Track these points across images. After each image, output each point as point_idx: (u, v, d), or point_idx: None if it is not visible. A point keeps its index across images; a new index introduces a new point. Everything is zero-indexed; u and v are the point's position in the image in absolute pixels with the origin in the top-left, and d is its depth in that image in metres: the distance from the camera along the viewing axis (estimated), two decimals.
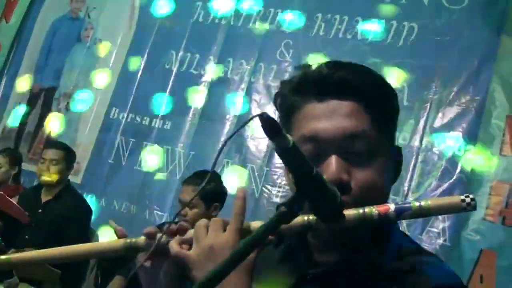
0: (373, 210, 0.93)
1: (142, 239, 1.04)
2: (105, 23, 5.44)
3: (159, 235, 1.02)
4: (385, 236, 1.04)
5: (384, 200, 1.01)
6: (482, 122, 3.72)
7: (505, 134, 3.62)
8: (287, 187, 4.08)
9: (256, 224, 0.98)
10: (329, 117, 1.00)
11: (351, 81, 1.01)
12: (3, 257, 1.07)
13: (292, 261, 1.09)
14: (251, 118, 0.80)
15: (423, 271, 0.97)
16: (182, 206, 3.26)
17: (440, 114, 3.88)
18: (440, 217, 3.70)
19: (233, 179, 4.32)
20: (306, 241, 1.08)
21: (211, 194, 3.21)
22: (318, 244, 1.07)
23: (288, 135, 0.81)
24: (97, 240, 4.16)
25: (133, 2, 5.30)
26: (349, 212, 0.93)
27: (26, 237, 3.81)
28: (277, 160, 4.27)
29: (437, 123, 3.88)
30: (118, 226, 1.09)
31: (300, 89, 1.05)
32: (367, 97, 1.01)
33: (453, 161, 3.76)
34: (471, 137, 3.75)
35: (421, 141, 3.83)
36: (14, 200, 3.98)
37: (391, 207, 0.93)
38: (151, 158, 4.74)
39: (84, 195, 4.57)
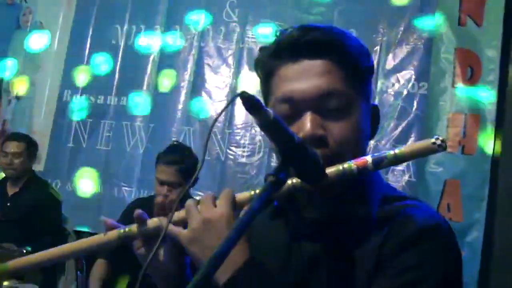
0: (352, 165, 0.98)
1: (134, 226, 1.06)
2: (43, 5, 5.28)
3: (162, 221, 1.04)
4: (368, 186, 1.09)
5: (360, 153, 1.06)
6: (432, 58, 3.81)
7: (455, 66, 3.72)
8: (251, 146, 4.13)
9: (242, 196, 1.01)
10: (302, 77, 1.04)
11: (323, 40, 1.04)
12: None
13: (282, 220, 1.14)
14: (233, 99, 0.84)
15: (407, 215, 1.03)
16: (159, 185, 3.20)
17: (390, 55, 3.95)
18: None
19: (195, 146, 4.33)
20: (293, 200, 1.12)
21: (191, 169, 3.21)
22: (305, 202, 1.11)
23: (268, 109, 0.85)
24: (71, 226, 4.17)
25: None
26: (330, 170, 0.97)
27: None
28: (237, 122, 4.31)
29: (389, 64, 3.95)
30: (108, 219, 1.10)
31: (276, 53, 1.08)
32: (339, 55, 1.05)
33: (408, 99, 3.86)
34: (423, 74, 3.85)
35: (375, 84, 3.89)
36: None
37: (368, 159, 0.98)
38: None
39: (49, 182, 4.54)
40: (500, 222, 3.17)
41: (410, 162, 3.75)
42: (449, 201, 3.62)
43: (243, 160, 4.21)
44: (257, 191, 1.00)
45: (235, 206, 0.99)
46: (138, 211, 1.06)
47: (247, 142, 4.23)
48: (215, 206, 0.99)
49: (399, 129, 3.84)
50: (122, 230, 1.07)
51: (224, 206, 0.98)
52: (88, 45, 4.96)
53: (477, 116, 3.64)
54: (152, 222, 1.05)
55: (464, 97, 3.68)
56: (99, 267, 3.29)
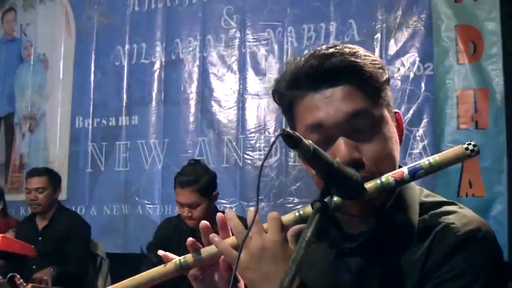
0: (389, 178, 1.03)
1: (189, 256, 1.13)
2: (43, 37, 5.34)
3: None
4: (406, 194, 1.13)
5: (395, 164, 1.11)
6: (433, 38, 3.83)
7: (458, 43, 3.74)
8: (267, 149, 4.17)
9: (287, 218, 1.07)
10: (327, 104, 1.08)
11: (340, 67, 1.08)
12: None
13: (325, 238, 1.17)
14: (276, 138, 0.90)
15: (446, 224, 1.07)
16: (180, 207, 3.27)
17: (392, 41, 3.98)
18: (417, 136, 3.84)
19: (212, 156, 4.39)
20: (333, 218, 1.17)
21: (208, 186, 3.24)
22: (346, 219, 1.16)
23: (307, 141, 0.90)
24: (102, 251, 4.23)
25: (65, 7, 5.22)
26: (368, 185, 1.03)
27: (34, 267, 3.85)
28: (250, 125, 4.35)
29: (392, 50, 3.98)
30: (164, 253, 1.16)
31: (295, 84, 1.12)
32: (358, 78, 1.09)
33: (416, 82, 3.89)
34: (427, 55, 3.87)
35: None
36: (9, 234, 4.00)
37: (405, 171, 1.03)
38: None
39: (73, 209, 4.61)
40: None
41: (426, 144, 3.79)
42: (470, 177, 3.64)
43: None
44: (301, 212, 1.07)
45: (283, 228, 1.05)
46: (190, 240, 1.13)
47: (262, 145, 4.27)
48: (265, 231, 1.04)
49: (411, 112, 3.88)
50: (178, 262, 1.13)
51: (275, 233, 1.03)
52: (92, 70, 5.02)
53: (485, 90, 3.65)
54: (206, 250, 1.12)
55: (470, 73, 3.70)
56: None
